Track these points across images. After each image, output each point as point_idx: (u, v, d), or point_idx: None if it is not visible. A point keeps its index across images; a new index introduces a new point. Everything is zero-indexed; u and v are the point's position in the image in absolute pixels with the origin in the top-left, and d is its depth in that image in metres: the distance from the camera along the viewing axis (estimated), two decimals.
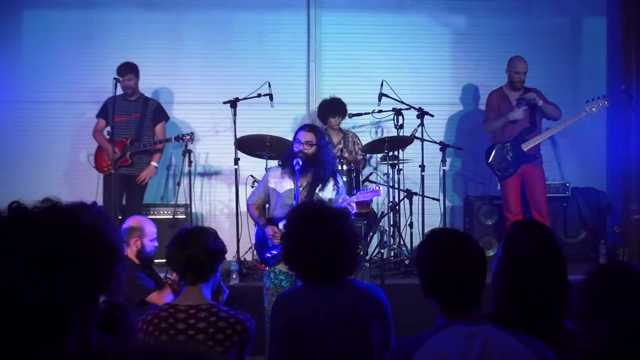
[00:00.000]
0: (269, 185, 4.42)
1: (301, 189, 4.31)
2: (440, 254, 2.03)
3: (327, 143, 4.57)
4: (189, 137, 6.15)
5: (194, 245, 2.63)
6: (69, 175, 6.91)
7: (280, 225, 4.33)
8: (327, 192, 4.37)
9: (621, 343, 1.64)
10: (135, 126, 6.11)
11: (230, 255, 4.73)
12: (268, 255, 4.36)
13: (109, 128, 6.20)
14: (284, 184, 4.36)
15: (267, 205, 4.60)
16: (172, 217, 6.42)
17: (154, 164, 6.23)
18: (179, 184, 6.36)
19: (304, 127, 4.43)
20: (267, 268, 4.40)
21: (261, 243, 4.45)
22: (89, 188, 6.17)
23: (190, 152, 6.27)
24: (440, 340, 1.97)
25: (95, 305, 1.32)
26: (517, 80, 6.09)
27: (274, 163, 4.81)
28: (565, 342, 2.16)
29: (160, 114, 6.33)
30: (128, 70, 6.07)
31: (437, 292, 2.04)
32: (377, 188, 4.77)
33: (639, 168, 6.69)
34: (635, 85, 6.70)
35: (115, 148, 5.99)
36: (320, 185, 4.34)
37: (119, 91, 5.98)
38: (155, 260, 4.27)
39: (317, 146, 4.32)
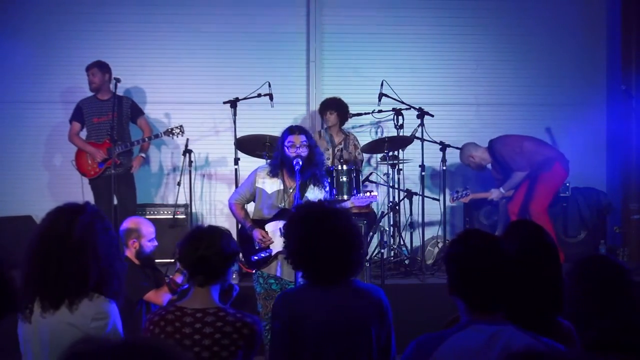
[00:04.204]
0: (257, 185, 4.32)
1: (291, 190, 4.25)
2: (470, 254, 2.08)
3: (315, 142, 4.45)
4: (178, 130, 6.09)
5: (207, 246, 2.57)
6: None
7: (268, 227, 4.27)
8: (314, 194, 4.26)
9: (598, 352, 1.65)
10: (116, 126, 5.98)
11: None
12: (255, 258, 4.28)
13: (85, 131, 6.19)
14: (273, 185, 4.29)
15: (246, 206, 4.48)
16: (172, 217, 6.42)
17: (142, 154, 6.25)
18: (179, 184, 6.36)
19: (293, 131, 4.25)
20: (253, 271, 4.32)
21: (247, 245, 4.33)
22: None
23: (190, 152, 6.27)
24: (463, 338, 2.01)
25: None
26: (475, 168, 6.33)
27: None
28: (564, 339, 2.18)
29: (138, 110, 6.33)
30: (93, 64, 6.08)
31: (463, 291, 2.08)
32: (373, 194, 4.68)
33: (639, 168, 6.70)
34: (635, 85, 6.71)
35: (100, 150, 6.00)
36: (310, 186, 4.26)
37: (90, 93, 6.10)
38: (157, 260, 4.26)
39: (310, 146, 4.23)
